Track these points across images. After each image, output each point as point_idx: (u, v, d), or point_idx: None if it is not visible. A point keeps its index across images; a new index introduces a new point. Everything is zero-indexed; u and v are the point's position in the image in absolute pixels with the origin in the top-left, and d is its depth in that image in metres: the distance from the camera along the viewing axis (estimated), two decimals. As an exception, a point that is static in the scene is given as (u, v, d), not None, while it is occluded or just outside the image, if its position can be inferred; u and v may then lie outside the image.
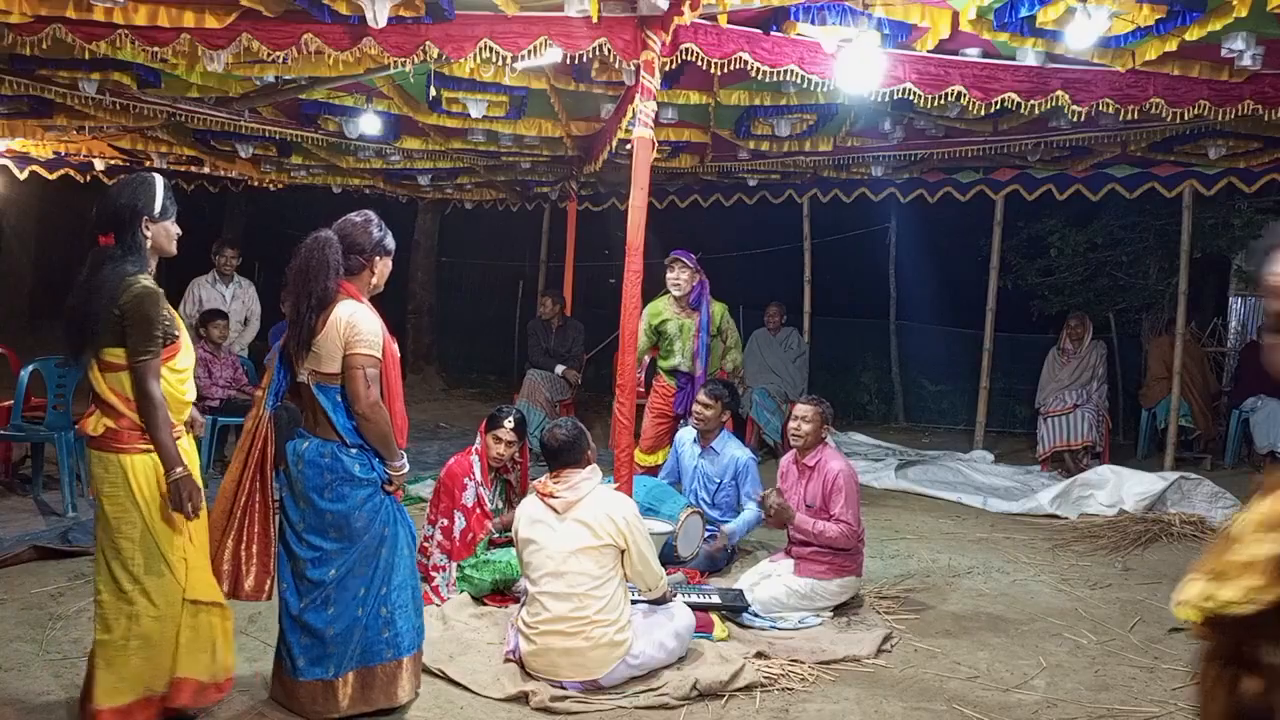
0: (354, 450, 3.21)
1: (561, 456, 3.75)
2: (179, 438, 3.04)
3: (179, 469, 2.97)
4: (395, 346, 3.28)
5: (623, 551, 3.60)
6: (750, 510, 5.16)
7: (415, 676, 3.36)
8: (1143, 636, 4.34)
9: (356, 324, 3.13)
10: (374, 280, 3.36)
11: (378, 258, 3.35)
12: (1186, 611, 1.94)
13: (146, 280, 2.97)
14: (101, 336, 2.93)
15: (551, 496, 3.65)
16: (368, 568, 3.23)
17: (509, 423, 4.65)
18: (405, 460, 3.31)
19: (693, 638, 3.88)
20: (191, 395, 3.16)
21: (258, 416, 3.24)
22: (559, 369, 8.32)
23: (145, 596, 2.99)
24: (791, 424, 4.60)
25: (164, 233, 3.11)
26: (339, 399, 3.19)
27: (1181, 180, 7.54)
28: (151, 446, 2.95)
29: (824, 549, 4.40)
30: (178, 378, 3.07)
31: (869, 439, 9.26)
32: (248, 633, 4.08)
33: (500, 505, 4.81)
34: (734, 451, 5.29)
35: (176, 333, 3.07)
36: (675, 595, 3.94)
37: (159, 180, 3.11)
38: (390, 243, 3.42)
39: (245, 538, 3.25)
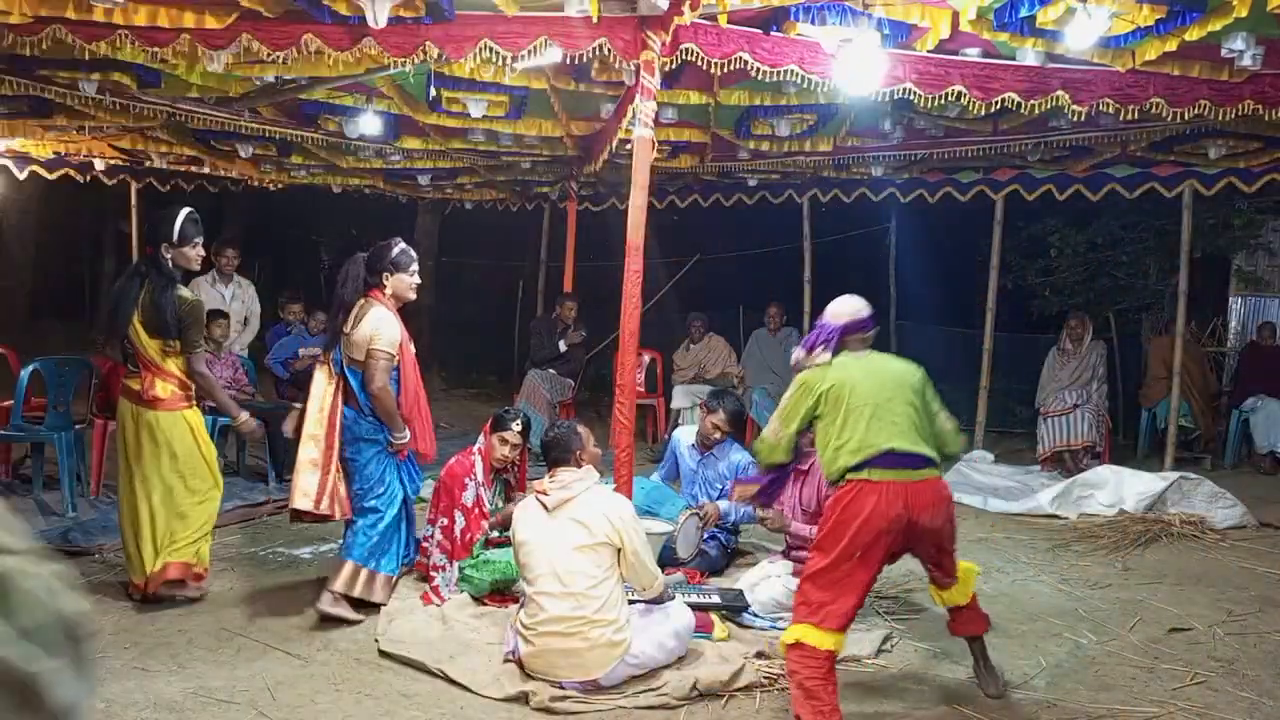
0: (368, 419, 4.27)
1: (551, 454, 3.80)
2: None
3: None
4: (413, 349, 4.36)
5: (619, 550, 3.60)
6: (748, 507, 5.16)
7: (368, 586, 4.29)
8: (1143, 636, 4.34)
9: (380, 327, 4.17)
10: (388, 290, 4.31)
11: (387, 274, 4.31)
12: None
13: (185, 291, 4.28)
14: (168, 331, 4.23)
15: (544, 494, 3.66)
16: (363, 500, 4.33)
17: (516, 425, 4.71)
18: (407, 432, 4.31)
19: (692, 638, 3.88)
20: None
21: (332, 376, 4.27)
22: (561, 344, 8.31)
23: (215, 491, 4.43)
24: None
25: (182, 257, 4.35)
26: (360, 380, 4.23)
27: (1181, 180, 7.53)
28: (190, 404, 4.34)
29: (823, 550, 4.40)
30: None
31: (869, 439, 9.24)
32: (246, 634, 4.09)
33: (499, 505, 4.82)
34: (734, 456, 5.28)
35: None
36: (674, 595, 3.94)
37: (182, 213, 4.32)
38: (403, 259, 4.35)
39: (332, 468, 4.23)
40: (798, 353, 3.61)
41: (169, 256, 4.24)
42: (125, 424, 4.28)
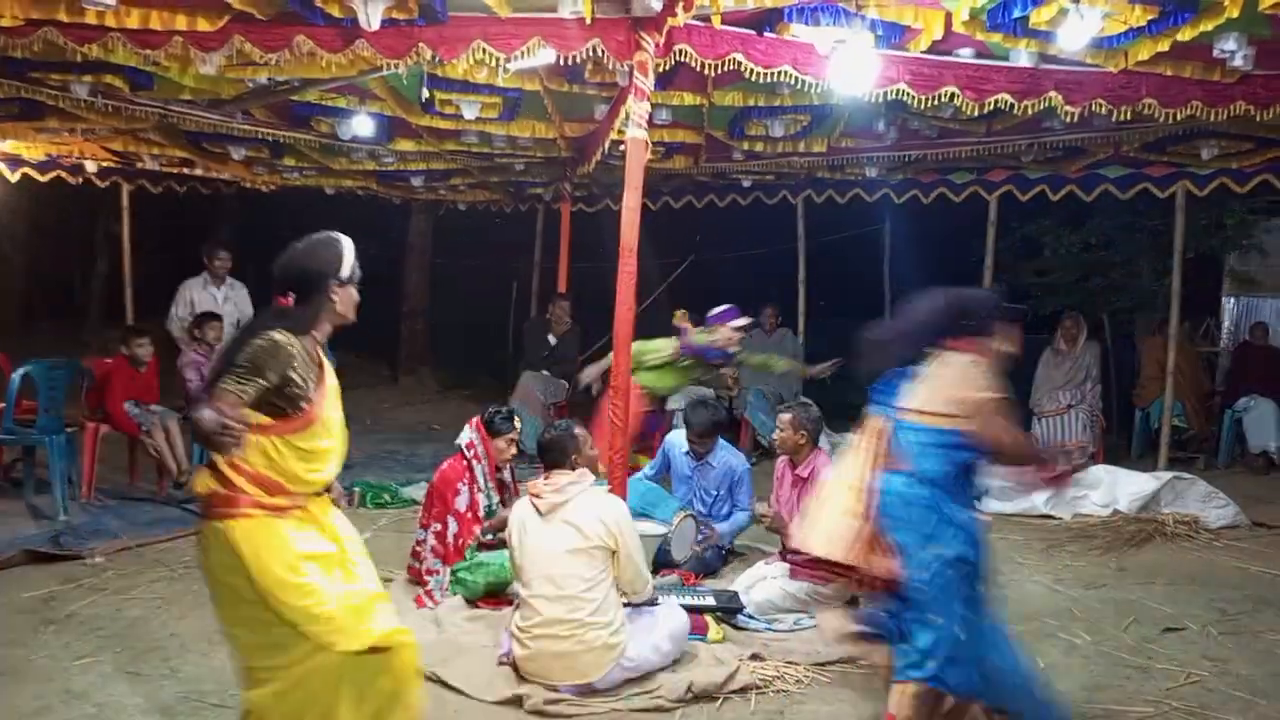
0: None
1: (546, 456, 3.79)
2: (298, 508, 2.64)
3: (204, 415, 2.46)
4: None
5: (613, 553, 3.59)
6: (741, 515, 5.16)
7: None
8: (1137, 636, 4.34)
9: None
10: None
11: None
12: None
13: (279, 335, 2.61)
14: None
15: (538, 497, 3.66)
16: None
17: (516, 422, 4.82)
18: None
19: (688, 640, 3.87)
20: (322, 479, 2.70)
21: None
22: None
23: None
24: (776, 433, 4.61)
25: (350, 301, 2.80)
26: None
27: (1174, 181, 7.55)
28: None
29: (819, 552, 4.40)
30: (300, 456, 2.62)
31: (864, 440, 9.24)
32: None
33: (496, 506, 4.81)
34: (729, 460, 5.27)
35: (304, 404, 2.62)
36: (658, 599, 3.93)
37: (347, 242, 2.83)
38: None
39: None
40: None
41: (334, 299, 2.75)
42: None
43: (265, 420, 2.57)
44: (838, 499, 3.21)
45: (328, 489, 2.76)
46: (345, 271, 2.79)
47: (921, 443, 3.11)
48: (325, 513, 2.72)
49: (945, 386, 3.08)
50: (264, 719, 2.62)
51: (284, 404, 2.60)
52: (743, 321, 6.23)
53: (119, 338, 6.70)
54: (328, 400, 2.72)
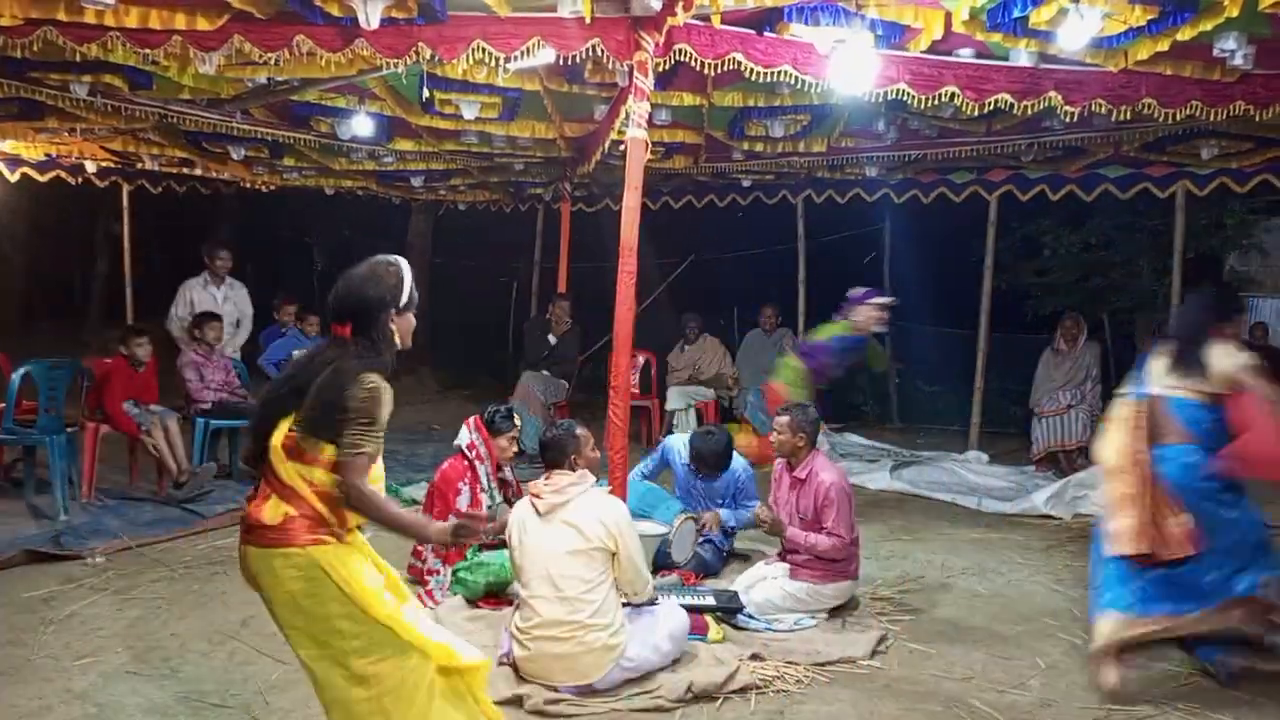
0: None
1: (547, 455, 3.79)
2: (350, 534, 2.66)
3: (433, 527, 2.84)
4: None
5: (613, 555, 3.59)
6: (745, 511, 5.16)
7: None
8: (1137, 636, 4.34)
9: None
10: None
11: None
12: None
13: (378, 379, 2.63)
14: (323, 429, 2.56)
15: (538, 498, 3.66)
16: None
17: (516, 420, 4.88)
18: None
19: (687, 640, 3.87)
20: None
21: None
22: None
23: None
24: (773, 435, 4.59)
25: (407, 326, 2.78)
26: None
27: (1174, 181, 7.56)
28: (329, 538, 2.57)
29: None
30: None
31: (864, 440, 9.26)
32: (239, 637, 4.07)
33: (499, 506, 4.81)
34: (732, 467, 5.26)
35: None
36: (657, 599, 3.93)
37: (406, 266, 2.81)
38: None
39: None
40: None
41: (393, 328, 2.72)
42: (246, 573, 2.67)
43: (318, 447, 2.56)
44: (1115, 488, 3.74)
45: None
46: (404, 299, 2.75)
47: (1199, 417, 3.72)
48: (359, 540, 2.71)
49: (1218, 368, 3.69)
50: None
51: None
52: (886, 300, 6.21)
53: (118, 337, 6.69)
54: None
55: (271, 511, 2.55)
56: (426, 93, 5.48)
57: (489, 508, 4.74)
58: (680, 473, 5.37)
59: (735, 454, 5.34)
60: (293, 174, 8.40)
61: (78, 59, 4.28)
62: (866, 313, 6.03)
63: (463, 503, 4.63)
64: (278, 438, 2.59)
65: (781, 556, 4.60)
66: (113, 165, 8.23)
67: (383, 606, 2.57)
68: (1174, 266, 7.97)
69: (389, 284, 2.73)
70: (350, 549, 2.62)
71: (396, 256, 2.80)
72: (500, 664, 3.70)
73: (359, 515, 2.62)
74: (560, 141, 6.69)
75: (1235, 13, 3.43)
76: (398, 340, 2.74)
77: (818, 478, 4.43)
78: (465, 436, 4.77)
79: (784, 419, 4.52)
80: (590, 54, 4.24)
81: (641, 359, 9.00)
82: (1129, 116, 4.87)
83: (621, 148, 4.73)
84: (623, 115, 4.64)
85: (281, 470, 2.57)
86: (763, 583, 4.49)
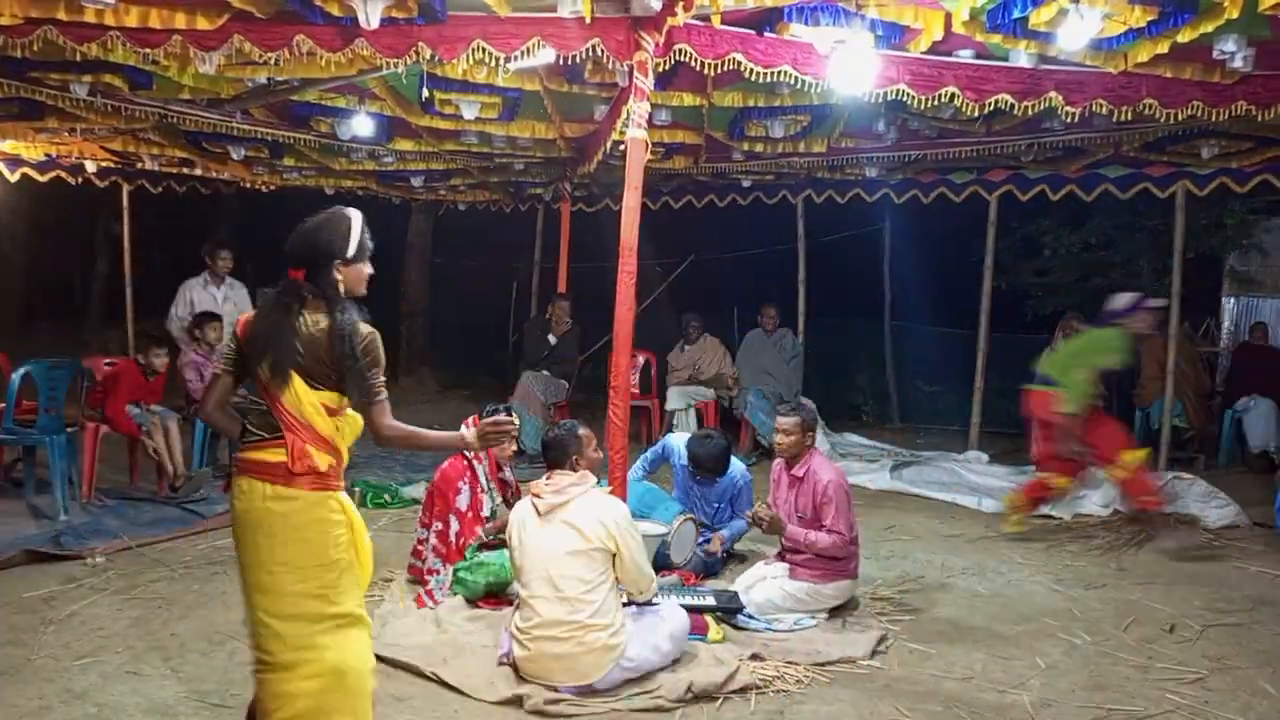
0: None
1: (548, 455, 3.80)
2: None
3: (465, 434, 3.07)
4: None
5: (614, 555, 3.59)
6: (740, 521, 5.17)
7: None
8: (1137, 636, 4.35)
9: None
10: None
11: None
12: None
13: (368, 326, 2.86)
14: (332, 378, 2.81)
15: (538, 498, 3.66)
16: None
17: (517, 419, 4.81)
18: None
19: (688, 640, 3.87)
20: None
21: None
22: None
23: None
24: (775, 436, 4.58)
25: (357, 277, 2.93)
26: None
27: (1174, 180, 7.55)
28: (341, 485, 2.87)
29: (818, 554, 4.40)
30: (351, 431, 2.94)
31: (864, 440, 9.26)
32: (239, 636, 4.06)
33: (499, 506, 4.80)
34: (731, 472, 5.25)
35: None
36: (657, 598, 3.92)
37: (356, 219, 2.94)
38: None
39: None
40: None
41: (339, 277, 2.87)
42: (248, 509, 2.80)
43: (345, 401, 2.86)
44: None
45: None
46: (352, 249, 2.89)
47: None
48: None
49: None
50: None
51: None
52: (1159, 303, 6.32)
53: (138, 345, 6.68)
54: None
55: (321, 460, 2.77)
56: (426, 93, 5.48)
57: (491, 509, 4.74)
58: (679, 474, 5.37)
59: (734, 459, 5.34)
60: (293, 174, 8.40)
61: (78, 59, 4.28)
62: (1144, 318, 6.00)
63: (462, 502, 4.63)
64: (306, 396, 2.78)
65: (781, 556, 4.60)
66: (113, 165, 8.22)
67: (365, 569, 2.90)
68: (1174, 266, 7.97)
69: (339, 233, 2.89)
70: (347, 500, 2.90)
71: (352, 209, 2.95)
72: (500, 664, 3.70)
73: (402, 447, 3.02)
74: (560, 142, 6.69)
75: (1235, 14, 3.43)
76: (342, 289, 2.88)
77: (816, 476, 4.43)
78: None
79: (792, 420, 4.50)
80: (590, 54, 4.24)
81: (641, 359, 9.00)
82: (1129, 117, 4.88)
83: (621, 148, 4.73)
84: (623, 115, 4.64)
85: (320, 424, 2.79)
86: (763, 583, 4.49)
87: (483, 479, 4.75)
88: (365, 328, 2.85)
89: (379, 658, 3.81)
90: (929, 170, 8.18)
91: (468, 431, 3.07)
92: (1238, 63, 3.98)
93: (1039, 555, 5.65)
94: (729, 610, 4.30)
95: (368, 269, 2.97)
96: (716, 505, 5.24)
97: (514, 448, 4.88)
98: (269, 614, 2.73)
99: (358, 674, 2.79)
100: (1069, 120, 5.17)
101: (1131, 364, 6.91)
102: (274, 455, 2.77)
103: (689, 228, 11.41)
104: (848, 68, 4.22)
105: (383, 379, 2.87)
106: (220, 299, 7.43)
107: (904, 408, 10.95)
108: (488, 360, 12.66)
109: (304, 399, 2.78)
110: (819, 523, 4.38)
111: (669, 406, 8.54)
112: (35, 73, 5.01)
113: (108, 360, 7.04)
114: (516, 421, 3.55)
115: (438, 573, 4.53)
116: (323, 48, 4.12)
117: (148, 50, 4.08)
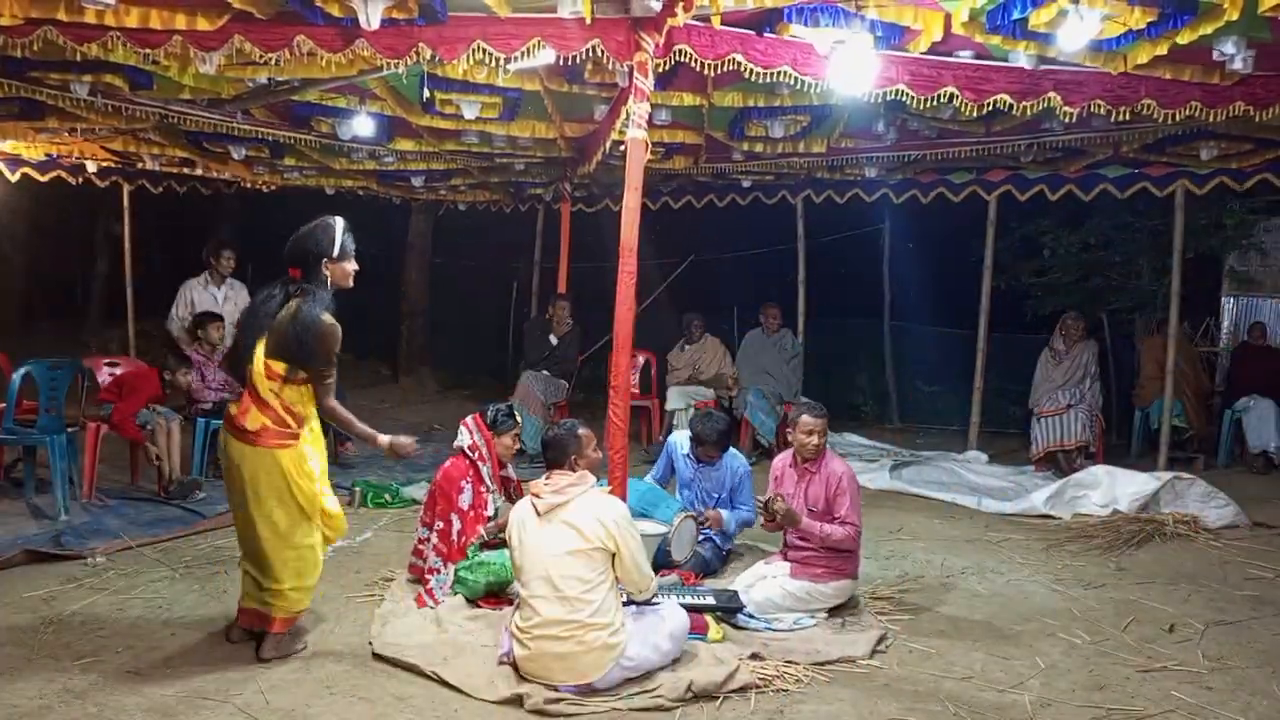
0: None
1: (548, 454, 3.81)
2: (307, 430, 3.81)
3: (384, 438, 3.89)
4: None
5: (613, 555, 3.59)
6: (744, 513, 5.17)
7: None
8: (1137, 636, 4.35)
9: None
10: None
11: None
12: None
13: (329, 318, 3.64)
14: (286, 355, 3.63)
15: (537, 497, 3.66)
16: None
17: (519, 418, 4.95)
18: None
19: (687, 639, 3.87)
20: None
21: None
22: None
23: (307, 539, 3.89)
24: (803, 438, 4.50)
25: (342, 273, 3.77)
26: None
27: (1173, 180, 7.56)
28: (290, 442, 3.70)
29: (821, 552, 4.40)
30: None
31: (863, 440, 9.27)
32: (239, 636, 4.07)
33: (502, 505, 4.81)
34: (731, 462, 5.27)
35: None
36: (657, 597, 3.93)
37: (339, 224, 3.77)
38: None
39: None
40: None
41: (328, 273, 3.72)
42: (225, 453, 3.83)
43: (304, 374, 3.68)
44: None
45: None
46: (336, 250, 3.73)
47: None
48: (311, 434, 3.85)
49: None
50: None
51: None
52: None
53: (167, 365, 6.74)
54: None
55: (252, 420, 3.65)
56: (427, 93, 5.49)
57: (494, 509, 4.74)
58: (682, 467, 5.38)
59: (735, 451, 5.35)
60: (293, 174, 8.41)
61: (78, 59, 4.29)
62: None
63: (465, 501, 4.63)
64: (258, 363, 3.63)
65: (783, 555, 4.60)
66: (113, 165, 8.23)
67: (309, 497, 3.76)
68: (1173, 266, 7.97)
69: (325, 238, 3.74)
70: (301, 448, 3.73)
71: (335, 217, 3.78)
72: (500, 663, 3.70)
73: (334, 424, 3.86)
74: (560, 141, 6.69)
75: (1235, 16, 3.44)
76: (329, 282, 3.72)
77: (829, 467, 4.45)
78: (466, 438, 4.76)
79: (822, 421, 4.49)
80: (590, 55, 4.25)
81: (641, 359, 9.01)
82: (1128, 117, 4.88)
83: (621, 148, 4.73)
84: (623, 115, 4.64)
85: (261, 387, 3.65)
86: (763, 582, 4.49)
87: (486, 478, 4.75)
88: (327, 320, 3.61)
89: (379, 657, 3.85)
90: (928, 170, 8.19)
91: (384, 438, 3.87)
92: (1237, 64, 3.99)
93: (1039, 555, 5.65)
94: (729, 609, 4.30)
95: (352, 266, 3.79)
96: (718, 496, 5.25)
97: (517, 446, 4.90)
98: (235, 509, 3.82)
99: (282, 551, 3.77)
100: (1068, 121, 5.17)
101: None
102: (233, 408, 3.74)
103: (689, 228, 11.42)
104: (847, 68, 4.22)
105: (330, 364, 3.67)
106: (220, 299, 7.43)
107: (904, 408, 10.96)
108: (488, 360, 12.66)
109: (257, 366, 3.63)
110: (830, 515, 4.38)
111: (669, 406, 8.55)
112: (35, 73, 5.01)
113: (108, 360, 7.05)
114: (421, 451, 4.26)
115: (439, 572, 4.53)
116: (323, 48, 4.13)
117: (148, 50, 4.09)
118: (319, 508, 3.83)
